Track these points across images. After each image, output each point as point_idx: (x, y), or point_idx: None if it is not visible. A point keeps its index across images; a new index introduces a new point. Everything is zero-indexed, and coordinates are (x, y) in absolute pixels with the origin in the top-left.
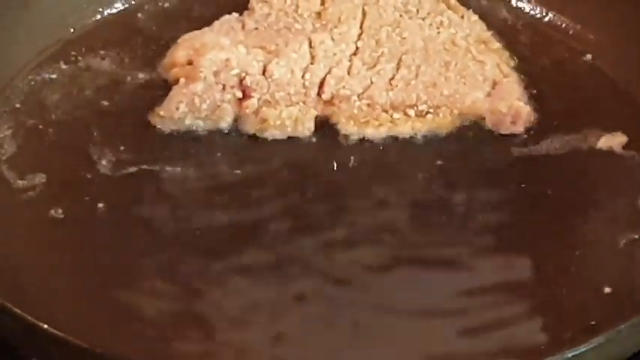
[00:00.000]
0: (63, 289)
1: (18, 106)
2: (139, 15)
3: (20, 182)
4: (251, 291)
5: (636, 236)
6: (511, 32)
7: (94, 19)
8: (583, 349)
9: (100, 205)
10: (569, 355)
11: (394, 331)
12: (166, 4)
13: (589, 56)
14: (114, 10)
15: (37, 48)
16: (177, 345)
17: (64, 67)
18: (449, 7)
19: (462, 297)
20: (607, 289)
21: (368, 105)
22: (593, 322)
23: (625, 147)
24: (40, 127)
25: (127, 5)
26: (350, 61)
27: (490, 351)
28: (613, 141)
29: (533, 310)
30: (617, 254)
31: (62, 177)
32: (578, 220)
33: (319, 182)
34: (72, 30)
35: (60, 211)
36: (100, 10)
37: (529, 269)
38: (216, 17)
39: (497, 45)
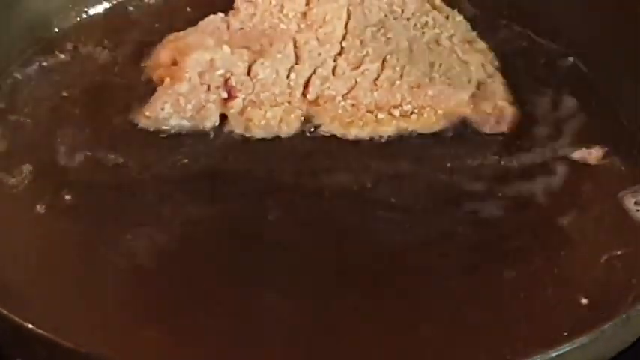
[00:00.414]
0: (49, 287)
1: (2, 106)
2: (125, 13)
3: (11, 180)
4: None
5: (618, 252)
6: (495, 33)
7: (79, 18)
8: (566, 349)
9: (68, 197)
10: (553, 354)
11: None
12: (152, 2)
13: (570, 59)
14: (99, 10)
15: (20, 48)
16: (163, 344)
17: (47, 64)
18: (434, 7)
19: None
20: (584, 301)
21: (352, 105)
22: (565, 333)
23: (605, 155)
24: (22, 121)
25: (112, 4)
26: (335, 61)
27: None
28: (589, 154)
29: (506, 317)
30: (597, 267)
31: (44, 171)
32: (560, 230)
33: (286, 183)
34: (56, 30)
35: (43, 207)
36: (86, 9)
37: (505, 279)
38: (202, 17)
39: (482, 45)
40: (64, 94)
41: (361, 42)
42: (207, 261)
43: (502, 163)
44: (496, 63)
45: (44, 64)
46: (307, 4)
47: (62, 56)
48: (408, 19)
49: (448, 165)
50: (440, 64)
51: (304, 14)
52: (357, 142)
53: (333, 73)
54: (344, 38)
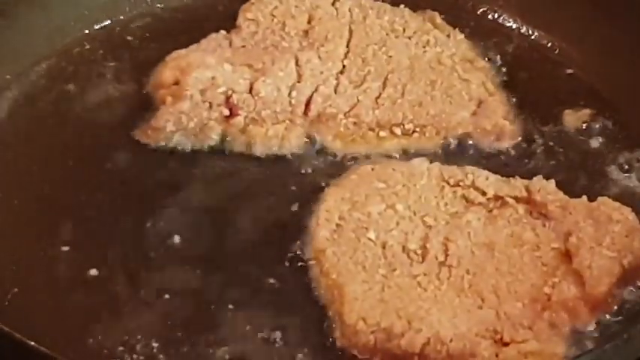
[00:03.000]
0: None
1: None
2: (127, 31)
3: None
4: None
5: None
6: (498, 50)
7: (79, 35)
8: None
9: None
10: None
11: None
12: (153, 20)
13: (570, 70)
14: (100, 27)
15: (22, 66)
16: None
17: (50, 83)
18: (435, 26)
19: None
20: None
21: (354, 123)
22: None
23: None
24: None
25: (112, 22)
26: (336, 79)
27: None
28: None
29: None
30: None
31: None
32: None
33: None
34: (58, 47)
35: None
36: (87, 26)
37: None
38: (204, 34)
39: (482, 63)
40: (68, 113)
41: (363, 60)
42: None
43: None
44: (497, 80)
45: (46, 85)
46: (309, 21)
47: (66, 77)
48: (409, 38)
49: None
50: (441, 83)
51: (306, 32)
52: (353, 160)
53: (335, 91)
54: (346, 56)
